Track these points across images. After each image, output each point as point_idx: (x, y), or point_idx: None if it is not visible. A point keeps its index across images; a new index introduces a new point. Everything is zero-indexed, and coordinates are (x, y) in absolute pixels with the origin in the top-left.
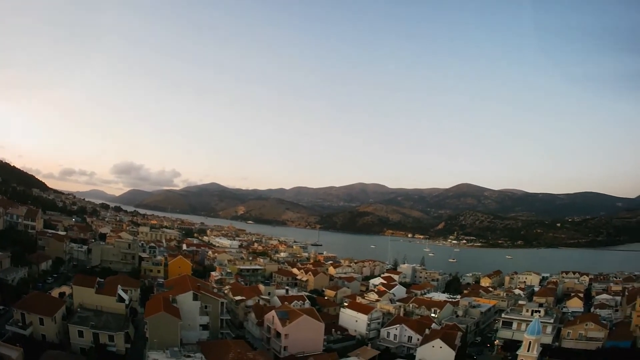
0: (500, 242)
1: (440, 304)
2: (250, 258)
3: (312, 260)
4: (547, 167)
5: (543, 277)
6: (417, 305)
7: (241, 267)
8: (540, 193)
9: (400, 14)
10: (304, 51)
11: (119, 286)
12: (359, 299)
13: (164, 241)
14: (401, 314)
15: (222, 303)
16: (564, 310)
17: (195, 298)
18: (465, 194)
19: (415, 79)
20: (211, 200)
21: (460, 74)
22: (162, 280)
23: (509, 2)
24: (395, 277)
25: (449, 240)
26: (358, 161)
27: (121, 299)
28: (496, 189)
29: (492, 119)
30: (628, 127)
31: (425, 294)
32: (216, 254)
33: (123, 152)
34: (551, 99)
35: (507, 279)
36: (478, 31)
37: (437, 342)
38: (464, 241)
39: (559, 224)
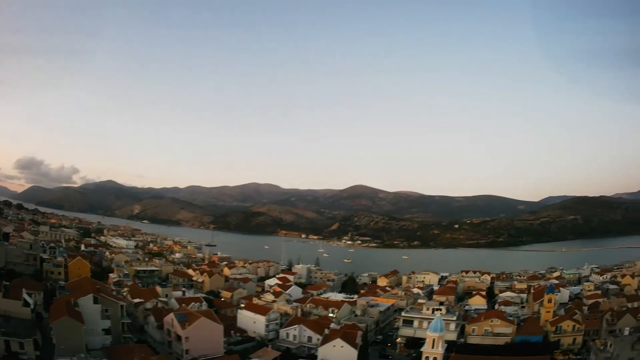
0: (396, 242)
1: (338, 304)
2: (147, 259)
3: (206, 261)
4: (444, 170)
5: (442, 276)
6: (314, 306)
7: (138, 268)
8: (437, 195)
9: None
10: (197, 47)
11: (24, 290)
12: (255, 300)
13: (63, 241)
14: (299, 315)
15: (121, 306)
16: (467, 308)
17: (95, 301)
18: (360, 195)
19: (307, 77)
20: (108, 198)
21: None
22: (63, 282)
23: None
24: (291, 277)
25: (344, 240)
26: (251, 160)
27: (26, 303)
28: (391, 191)
29: (384, 121)
30: (529, 134)
31: (321, 294)
32: (113, 255)
33: (25, 146)
34: (442, 105)
35: (404, 278)
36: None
37: (338, 342)
38: (359, 242)
39: (456, 225)
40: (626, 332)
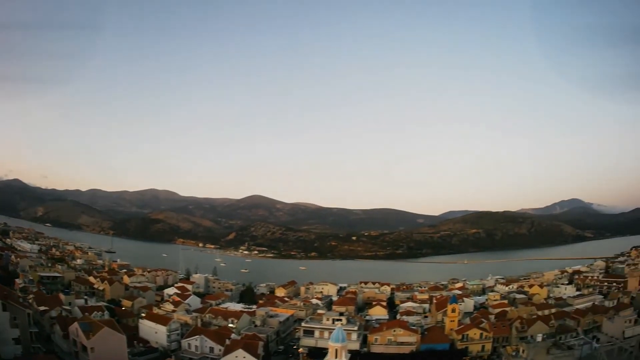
0: (293, 253)
1: (237, 314)
2: (49, 264)
3: (106, 268)
4: (342, 183)
5: (341, 287)
6: (213, 316)
7: (42, 274)
8: (334, 208)
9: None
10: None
11: None
12: (155, 310)
13: None
14: (199, 325)
15: (28, 314)
16: (368, 318)
17: (4, 308)
18: (257, 205)
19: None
20: (14, 198)
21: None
22: None
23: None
24: (189, 287)
25: (241, 250)
26: (150, 166)
27: None
28: (288, 202)
29: (283, 131)
30: (428, 150)
31: (220, 304)
32: (19, 259)
33: None
34: (343, 116)
35: (302, 289)
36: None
37: (240, 352)
38: (256, 252)
39: (354, 237)
40: (539, 338)
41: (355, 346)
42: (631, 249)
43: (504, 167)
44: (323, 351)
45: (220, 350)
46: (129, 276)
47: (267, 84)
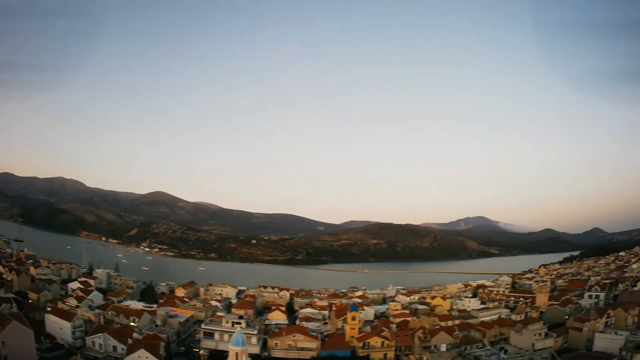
0: (193, 253)
1: (139, 313)
2: None
3: (14, 258)
4: (244, 185)
5: (240, 289)
6: (115, 314)
7: None
8: (235, 210)
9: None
10: None
11: None
12: (60, 304)
13: None
14: (101, 322)
15: None
16: (267, 322)
17: None
18: (160, 202)
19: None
20: None
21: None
22: None
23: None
24: (92, 282)
25: (142, 247)
26: (59, 154)
27: None
28: (190, 201)
29: (188, 127)
30: (332, 158)
31: (122, 301)
32: None
33: None
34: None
35: (202, 290)
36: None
37: (142, 353)
38: (157, 249)
39: (254, 241)
40: (443, 348)
41: (256, 350)
42: (539, 267)
43: (408, 182)
44: (223, 354)
45: (123, 349)
46: (35, 267)
47: (176, 83)
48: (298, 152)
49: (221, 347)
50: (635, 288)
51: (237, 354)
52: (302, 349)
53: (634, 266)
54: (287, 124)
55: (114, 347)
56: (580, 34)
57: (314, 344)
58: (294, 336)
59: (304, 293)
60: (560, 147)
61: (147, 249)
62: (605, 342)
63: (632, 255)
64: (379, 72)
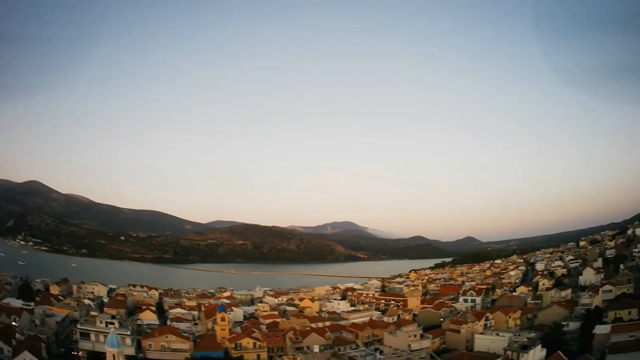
0: (65, 248)
1: (19, 311)
2: None
3: None
4: (114, 178)
5: (110, 288)
6: None
7: None
8: (105, 204)
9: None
10: None
11: None
12: None
13: None
14: None
15: None
16: (139, 322)
17: None
18: (35, 192)
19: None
20: None
21: None
22: None
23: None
24: None
25: (18, 240)
26: None
27: None
28: (63, 192)
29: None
30: (204, 158)
31: (2, 298)
32: None
33: None
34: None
35: (74, 287)
36: None
37: (27, 355)
38: (31, 243)
39: (123, 237)
40: (316, 349)
41: (131, 351)
42: (410, 271)
43: (275, 184)
44: (101, 355)
45: (9, 351)
46: None
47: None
48: (167, 149)
49: (98, 348)
50: (514, 293)
51: (114, 355)
52: (176, 350)
53: (512, 273)
54: (160, 124)
55: (1, 349)
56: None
57: (186, 345)
58: (167, 337)
59: (172, 293)
60: (434, 157)
61: (22, 243)
62: (486, 342)
63: (510, 263)
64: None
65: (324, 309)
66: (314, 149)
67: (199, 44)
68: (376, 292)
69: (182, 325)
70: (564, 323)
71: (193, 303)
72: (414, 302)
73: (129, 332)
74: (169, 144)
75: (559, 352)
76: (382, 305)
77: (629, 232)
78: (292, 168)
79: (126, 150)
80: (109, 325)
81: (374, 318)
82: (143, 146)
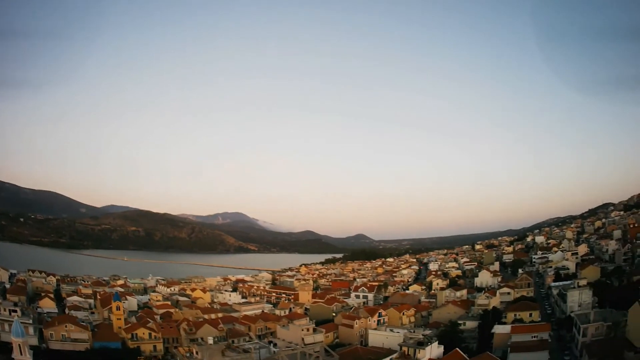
0: None
1: None
2: None
3: None
4: (14, 154)
5: (11, 273)
6: None
7: None
8: (7, 182)
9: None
10: None
11: None
12: None
13: None
14: None
15: None
16: (39, 310)
17: None
18: None
19: None
20: None
21: None
22: None
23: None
24: None
25: None
26: None
27: None
28: None
29: None
30: (93, 135)
31: None
32: None
33: None
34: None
35: None
36: None
37: None
38: None
39: (22, 219)
40: (210, 341)
41: (34, 341)
42: (300, 266)
43: (169, 170)
44: (9, 346)
45: None
46: None
47: None
48: (66, 128)
49: (4, 338)
50: (407, 291)
51: (19, 345)
52: (76, 340)
53: (405, 272)
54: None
55: None
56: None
57: (85, 335)
58: (67, 326)
59: (69, 279)
60: (327, 153)
61: None
62: (380, 338)
63: (402, 262)
64: None
65: (215, 300)
66: (209, 136)
67: None
68: (267, 284)
69: (79, 314)
70: (460, 322)
71: (89, 291)
72: (305, 296)
73: (30, 321)
74: (68, 123)
75: (457, 349)
76: (273, 298)
77: (529, 239)
78: (187, 155)
79: (27, 128)
80: (12, 314)
81: (265, 311)
82: (43, 123)
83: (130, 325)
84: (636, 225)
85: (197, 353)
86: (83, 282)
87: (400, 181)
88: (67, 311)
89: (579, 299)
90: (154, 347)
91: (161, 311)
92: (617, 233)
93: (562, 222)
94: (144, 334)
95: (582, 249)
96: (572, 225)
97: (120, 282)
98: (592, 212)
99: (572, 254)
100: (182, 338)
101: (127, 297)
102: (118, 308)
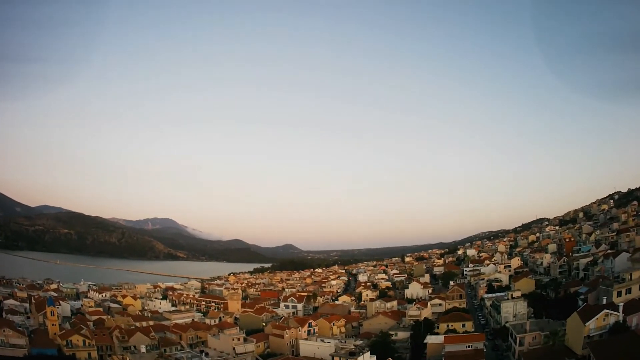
0: None
1: None
2: None
3: None
4: None
5: None
6: None
7: None
8: None
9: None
10: None
11: None
12: None
13: None
14: None
15: None
16: None
17: None
18: None
19: None
20: None
21: None
22: None
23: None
24: None
25: None
26: None
27: None
28: None
29: None
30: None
31: None
32: None
33: None
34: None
35: None
36: None
37: None
38: None
39: None
40: (143, 349)
41: None
42: (229, 274)
43: (102, 171)
44: None
45: None
46: None
47: None
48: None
49: None
50: (337, 302)
51: None
52: (14, 345)
53: (334, 282)
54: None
55: None
56: None
57: (23, 341)
58: (5, 331)
59: (5, 281)
60: (256, 161)
61: None
62: (311, 348)
63: (331, 273)
64: None
65: (146, 307)
66: (141, 140)
67: None
68: (196, 293)
69: (15, 318)
70: (392, 332)
71: (24, 294)
72: (235, 306)
73: None
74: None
75: (390, 359)
76: (202, 307)
77: (460, 252)
78: (118, 157)
79: None
80: None
81: (196, 319)
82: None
83: (65, 331)
84: (572, 239)
85: None
86: (18, 284)
87: (329, 191)
88: (4, 315)
89: (513, 309)
90: (89, 354)
91: (94, 318)
92: (552, 247)
93: (494, 236)
94: (78, 340)
95: (516, 262)
96: (505, 239)
97: (54, 286)
98: (526, 227)
99: (505, 267)
100: (115, 346)
101: (61, 302)
102: (52, 313)
